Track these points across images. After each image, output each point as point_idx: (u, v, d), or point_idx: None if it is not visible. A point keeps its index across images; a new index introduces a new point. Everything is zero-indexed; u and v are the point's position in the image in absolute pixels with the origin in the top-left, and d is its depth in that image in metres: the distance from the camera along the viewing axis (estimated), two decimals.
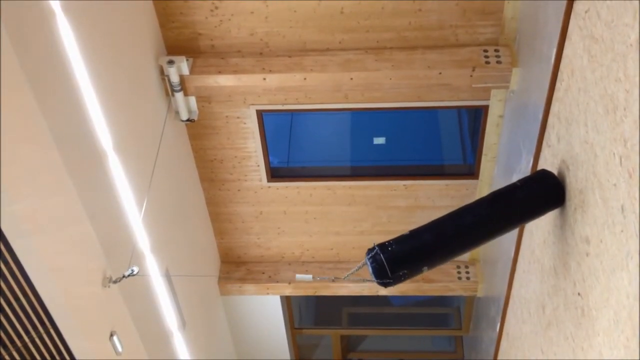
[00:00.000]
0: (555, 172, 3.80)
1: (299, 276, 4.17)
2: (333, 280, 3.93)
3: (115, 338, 4.37)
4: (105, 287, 4.18)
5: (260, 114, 5.98)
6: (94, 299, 4.19)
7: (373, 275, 3.48)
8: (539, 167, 4.33)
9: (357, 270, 3.70)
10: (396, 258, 3.43)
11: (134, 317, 4.67)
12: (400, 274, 3.44)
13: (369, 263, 3.46)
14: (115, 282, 4.21)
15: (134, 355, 4.79)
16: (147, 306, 5.17)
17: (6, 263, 3.41)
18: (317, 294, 7.36)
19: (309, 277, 4.12)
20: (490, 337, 6.39)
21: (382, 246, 3.46)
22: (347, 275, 3.74)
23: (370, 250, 3.49)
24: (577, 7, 3.47)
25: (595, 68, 3.15)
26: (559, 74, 3.82)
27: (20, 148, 3.31)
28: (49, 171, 3.60)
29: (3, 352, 3.56)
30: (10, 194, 3.26)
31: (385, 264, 3.40)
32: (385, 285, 3.48)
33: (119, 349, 4.41)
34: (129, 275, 4.27)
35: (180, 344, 5.91)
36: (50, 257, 3.67)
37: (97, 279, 4.15)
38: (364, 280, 3.77)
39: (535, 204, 3.66)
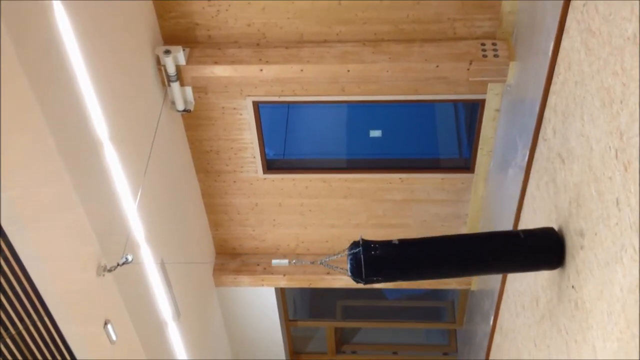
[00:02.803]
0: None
1: (275, 261, 4.16)
2: (312, 263, 3.92)
3: (109, 326, 4.37)
4: (100, 275, 4.17)
5: (257, 105, 5.96)
6: (89, 287, 4.19)
7: (349, 269, 3.45)
8: (535, 161, 4.34)
9: (335, 258, 3.67)
10: (375, 264, 3.40)
11: (128, 306, 4.67)
12: (374, 279, 3.43)
13: (348, 258, 3.44)
14: (110, 270, 4.20)
15: (128, 344, 4.79)
16: (141, 296, 5.17)
17: (0, 251, 3.40)
18: (311, 286, 7.38)
19: (285, 261, 4.11)
20: (483, 330, 6.41)
21: (367, 247, 3.41)
22: (323, 261, 3.71)
23: (355, 245, 3.45)
24: (575, 0, 3.47)
25: (593, 61, 3.16)
26: (556, 67, 3.83)
27: (15, 136, 3.30)
28: (43, 159, 3.59)
29: None
30: (5, 181, 3.25)
31: (363, 266, 3.38)
32: (355, 281, 3.47)
33: (113, 337, 4.42)
34: (123, 264, 4.27)
35: (174, 334, 5.92)
36: (45, 244, 3.67)
37: (91, 267, 4.14)
38: (337, 268, 3.71)
39: (530, 259, 3.61)
